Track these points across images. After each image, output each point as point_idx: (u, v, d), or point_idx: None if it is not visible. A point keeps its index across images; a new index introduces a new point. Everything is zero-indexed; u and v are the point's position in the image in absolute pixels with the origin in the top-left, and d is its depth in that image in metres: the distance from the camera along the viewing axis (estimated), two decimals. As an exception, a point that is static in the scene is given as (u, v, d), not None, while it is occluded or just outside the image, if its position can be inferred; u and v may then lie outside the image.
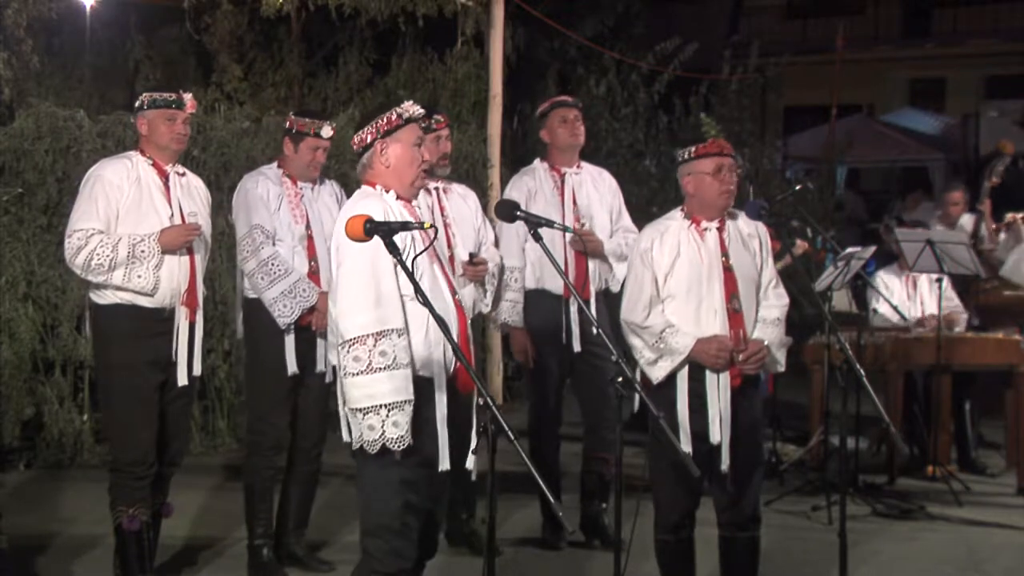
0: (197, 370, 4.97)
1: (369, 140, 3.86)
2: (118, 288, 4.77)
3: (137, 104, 4.94)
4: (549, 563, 5.68)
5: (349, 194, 5.52)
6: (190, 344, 4.92)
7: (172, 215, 4.85)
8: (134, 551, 4.88)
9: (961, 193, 8.28)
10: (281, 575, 5.30)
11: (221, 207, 7.59)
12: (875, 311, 7.38)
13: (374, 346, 3.62)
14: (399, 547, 3.75)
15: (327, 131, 5.23)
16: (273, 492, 5.34)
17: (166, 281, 4.80)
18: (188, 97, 4.92)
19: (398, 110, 3.88)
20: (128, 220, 4.76)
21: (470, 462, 3.86)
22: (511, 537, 5.91)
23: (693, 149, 4.46)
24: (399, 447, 3.64)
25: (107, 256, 4.70)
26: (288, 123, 5.30)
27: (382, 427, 3.62)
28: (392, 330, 3.65)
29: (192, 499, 6.42)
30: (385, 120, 3.85)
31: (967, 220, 8.14)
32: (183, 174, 5.01)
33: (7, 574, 5.17)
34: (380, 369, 3.62)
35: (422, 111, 3.95)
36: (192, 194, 5.01)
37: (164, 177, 4.90)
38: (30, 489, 6.80)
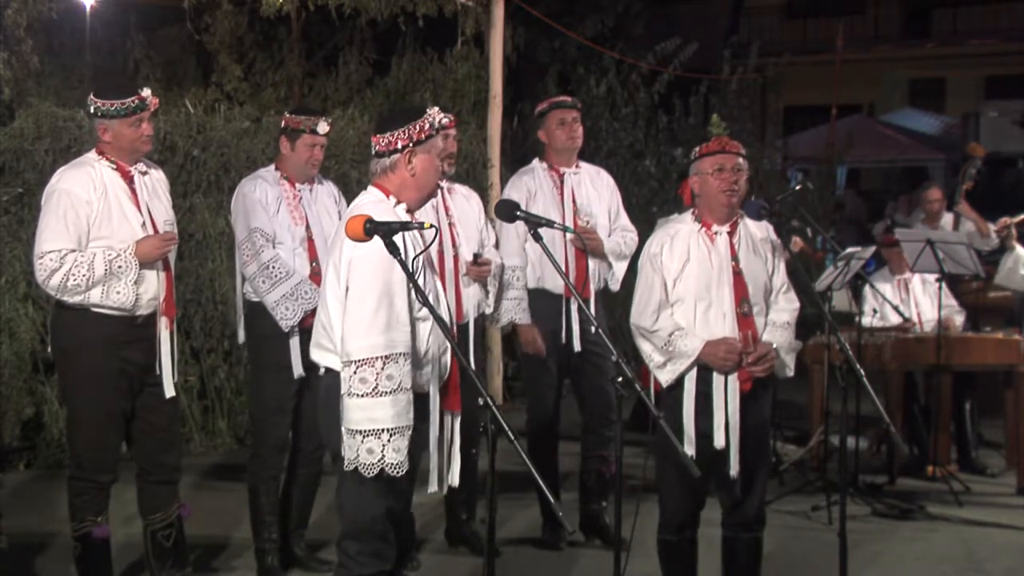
0: (170, 390, 4.82)
1: (400, 146, 3.75)
2: (96, 306, 4.60)
3: (92, 109, 4.67)
4: (549, 563, 5.68)
5: (348, 193, 5.53)
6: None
7: (144, 222, 4.68)
8: (100, 556, 4.84)
9: (938, 190, 8.29)
10: None
11: (221, 207, 7.62)
12: (875, 311, 7.38)
13: (382, 369, 3.57)
14: (379, 549, 3.76)
15: (323, 127, 5.18)
16: (277, 495, 5.32)
17: (144, 294, 4.66)
18: (147, 92, 4.67)
19: (429, 119, 3.78)
20: (101, 234, 4.58)
21: (454, 477, 3.85)
22: (511, 537, 5.90)
23: (697, 149, 4.50)
24: (398, 472, 3.62)
25: (83, 275, 4.52)
26: (284, 122, 5.25)
27: (382, 451, 3.59)
28: (400, 353, 3.60)
29: (191, 499, 6.39)
30: (418, 128, 3.75)
31: (947, 220, 8.13)
32: (145, 172, 4.81)
33: (7, 574, 5.17)
34: (386, 393, 3.58)
35: (446, 120, 3.90)
36: (157, 192, 4.84)
37: (128, 179, 4.72)
38: (30, 489, 6.79)
